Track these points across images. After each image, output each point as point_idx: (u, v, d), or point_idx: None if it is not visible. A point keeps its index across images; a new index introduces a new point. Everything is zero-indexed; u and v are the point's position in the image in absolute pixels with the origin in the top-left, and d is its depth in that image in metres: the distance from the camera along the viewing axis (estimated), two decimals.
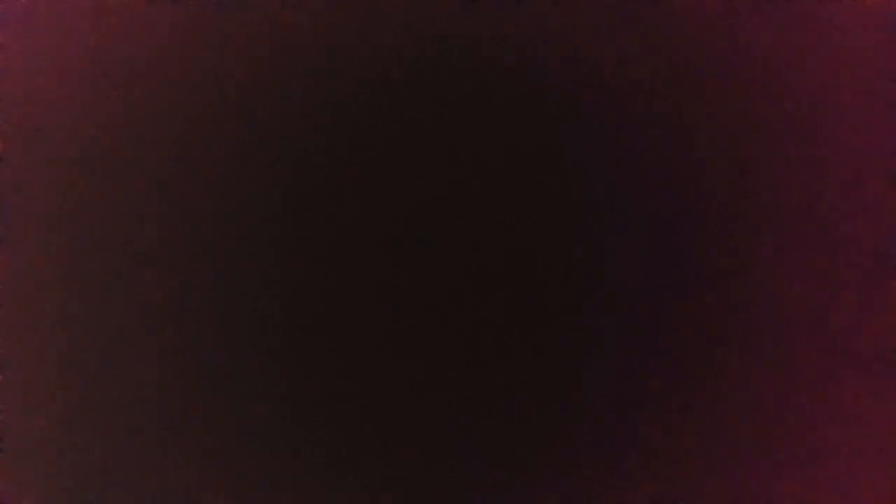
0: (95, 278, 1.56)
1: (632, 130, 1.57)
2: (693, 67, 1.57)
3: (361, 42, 1.58)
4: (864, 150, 1.56)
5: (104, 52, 1.58)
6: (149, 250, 1.56)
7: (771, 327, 1.54)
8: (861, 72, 1.57)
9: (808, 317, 1.54)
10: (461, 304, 1.55)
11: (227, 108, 1.57)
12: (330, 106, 1.58)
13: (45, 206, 1.57)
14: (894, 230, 1.55)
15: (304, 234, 1.56)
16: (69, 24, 1.59)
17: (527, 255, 1.55)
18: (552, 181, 1.56)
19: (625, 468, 1.53)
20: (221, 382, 1.55)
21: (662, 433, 1.53)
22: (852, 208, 1.55)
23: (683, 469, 1.53)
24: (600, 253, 1.55)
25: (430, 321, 1.55)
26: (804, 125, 1.57)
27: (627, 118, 1.57)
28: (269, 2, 1.58)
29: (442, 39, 1.58)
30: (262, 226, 1.56)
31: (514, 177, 1.56)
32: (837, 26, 1.57)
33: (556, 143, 1.56)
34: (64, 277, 1.56)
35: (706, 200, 1.56)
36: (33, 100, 1.58)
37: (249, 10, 1.58)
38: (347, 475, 1.54)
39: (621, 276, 1.55)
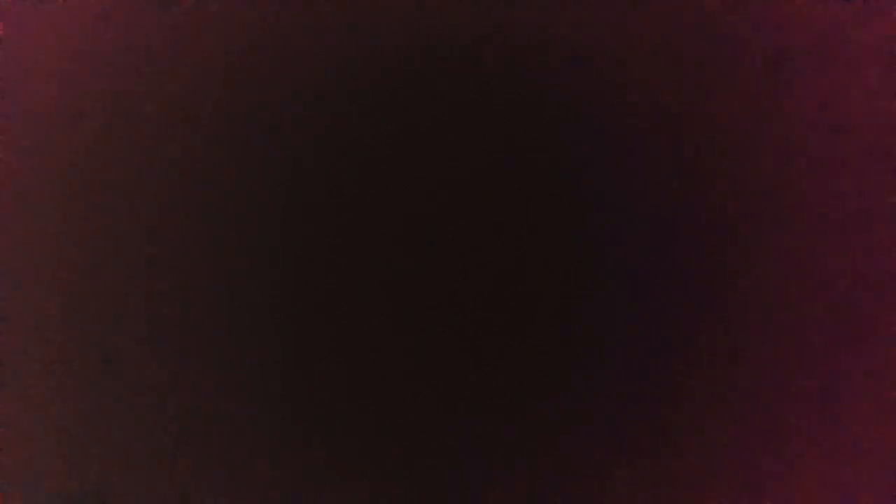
0: (96, 278, 1.56)
1: (632, 131, 1.57)
2: (694, 67, 1.57)
3: (361, 42, 1.58)
4: (864, 149, 1.56)
5: (104, 53, 1.58)
6: (149, 250, 1.56)
7: (770, 328, 1.54)
8: (862, 72, 1.57)
9: (807, 318, 1.55)
10: (459, 304, 1.55)
11: (227, 108, 1.57)
12: (330, 106, 1.58)
13: (44, 206, 1.57)
14: (894, 231, 1.55)
15: (303, 234, 1.56)
16: (69, 23, 1.59)
17: (526, 256, 1.55)
18: (552, 181, 1.56)
19: (623, 470, 1.53)
20: (222, 383, 1.55)
21: (660, 434, 1.53)
22: (853, 208, 1.56)
23: (680, 471, 1.53)
24: (599, 254, 1.55)
25: (429, 321, 1.55)
26: (804, 124, 1.57)
27: (627, 119, 1.57)
28: (270, 2, 1.58)
29: (442, 39, 1.58)
30: (262, 226, 1.56)
31: (514, 177, 1.56)
32: (837, 26, 1.57)
33: (556, 144, 1.57)
34: (64, 277, 1.56)
35: (705, 201, 1.56)
36: (33, 100, 1.58)
37: (250, 11, 1.59)
38: (348, 475, 1.54)
39: (619, 276, 1.55)
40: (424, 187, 1.56)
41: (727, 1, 1.58)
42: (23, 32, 1.59)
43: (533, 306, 1.55)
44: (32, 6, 1.59)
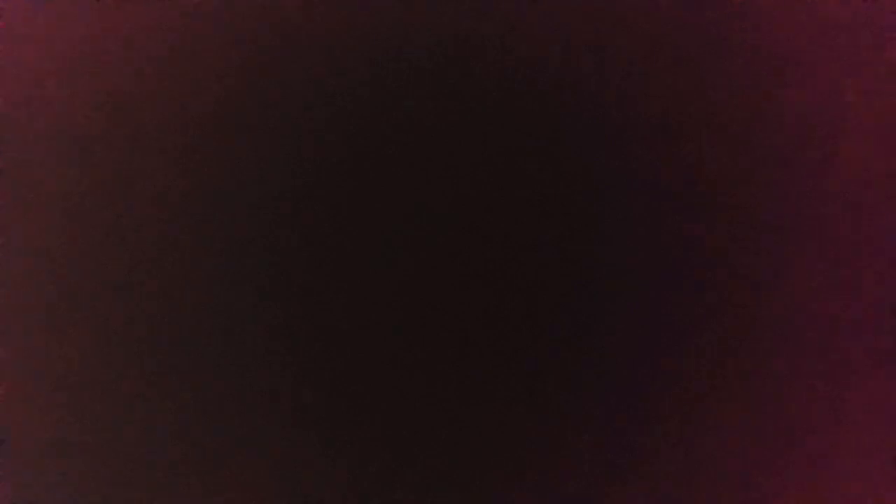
0: (96, 280, 1.56)
1: (632, 132, 1.57)
2: (694, 67, 1.58)
3: (361, 42, 1.58)
4: (863, 151, 1.57)
5: (104, 53, 1.58)
6: (149, 251, 1.56)
7: (770, 330, 1.55)
8: (861, 72, 1.57)
9: (807, 319, 1.55)
10: (460, 304, 1.55)
11: (226, 107, 1.57)
12: (331, 105, 1.58)
13: (45, 206, 1.57)
14: (894, 231, 1.55)
15: (304, 232, 1.56)
16: (69, 23, 1.59)
17: (526, 256, 1.55)
18: (552, 181, 1.56)
19: (623, 471, 1.53)
20: (222, 384, 1.55)
21: (661, 436, 1.53)
22: (852, 209, 1.56)
23: (680, 473, 1.53)
24: (600, 254, 1.55)
25: (430, 321, 1.55)
26: (805, 125, 1.57)
27: (628, 119, 1.57)
28: (269, 2, 1.58)
29: (442, 39, 1.58)
30: (263, 225, 1.56)
31: (514, 177, 1.56)
32: (837, 26, 1.58)
33: (557, 145, 1.57)
34: (64, 279, 1.56)
35: (707, 203, 1.56)
36: (34, 100, 1.58)
37: (249, 11, 1.58)
38: (348, 475, 1.54)
39: (621, 278, 1.55)
40: (424, 187, 1.56)
41: (727, 1, 1.58)
42: (23, 31, 1.58)
43: (534, 306, 1.55)
44: (32, 5, 1.59)
